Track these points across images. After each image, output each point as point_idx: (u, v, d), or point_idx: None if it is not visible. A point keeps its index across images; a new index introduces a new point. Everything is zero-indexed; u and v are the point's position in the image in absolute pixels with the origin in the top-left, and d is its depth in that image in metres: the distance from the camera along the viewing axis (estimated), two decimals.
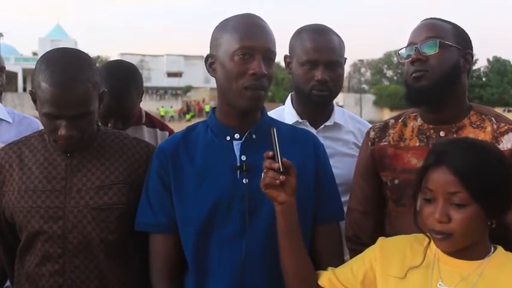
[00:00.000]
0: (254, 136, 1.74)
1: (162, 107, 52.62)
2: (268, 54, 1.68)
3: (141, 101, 2.45)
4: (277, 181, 1.52)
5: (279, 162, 1.53)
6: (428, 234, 1.51)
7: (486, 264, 1.46)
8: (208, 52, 1.76)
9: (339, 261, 1.74)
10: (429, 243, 1.53)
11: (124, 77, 2.34)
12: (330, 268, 1.65)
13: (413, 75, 1.86)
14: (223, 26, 1.73)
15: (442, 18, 1.93)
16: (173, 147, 1.77)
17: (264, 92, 1.69)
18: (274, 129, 1.56)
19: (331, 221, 1.82)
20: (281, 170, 1.53)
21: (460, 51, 1.86)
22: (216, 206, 1.68)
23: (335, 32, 2.30)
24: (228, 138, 1.74)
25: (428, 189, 1.46)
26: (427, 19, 1.95)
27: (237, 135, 1.73)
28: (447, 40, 1.84)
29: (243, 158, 1.71)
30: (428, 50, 1.84)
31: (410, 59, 1.86)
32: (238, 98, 1.67)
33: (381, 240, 1.63)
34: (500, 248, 1.50)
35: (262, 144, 1.60)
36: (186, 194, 1.72)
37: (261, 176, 1.56)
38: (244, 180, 1.69)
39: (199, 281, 1.71)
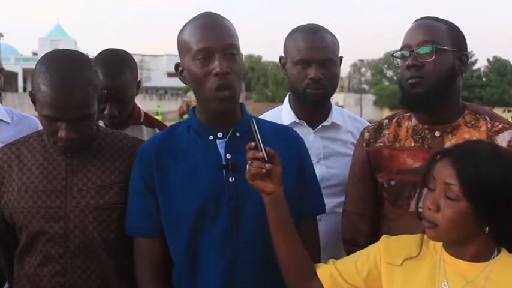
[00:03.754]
0: (238, 134, 1.73)
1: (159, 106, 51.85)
2: (229, 50, 1.65)
3: (137, 92, 2.40)
4: (263, 170, 1.52)
5: (262, 151, 1.53)
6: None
7: (492, 267, 1.45)
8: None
9: (316, 256, 1.76)
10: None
11: (116, 56, 2.33)
12: (331, 261, 1.64)
13: (409, 81, 1.83)
14: (181, 33, 1.72)
15: (437, 17, 1.89)
16: (156, 149, 1.75)
17: (234, 90, 1.66)
18: (254, 120, 1.57)
19: (313, 216, 1.84)
20: (265, 159, 1.53)
21: (455, 54, 1.84)
22: (204, 205, 1.67)
23: (328, 31, 2.29)
24: (211, 137, 1.73)
25: (433, 178, 1.48)
26: (422, 19, 1.90)
27: (219, 134, 1.72)
28: (443, 44, 1.81)
29: (228, 156, 1.70)
30: (424, 54, 1.81)
31: (406, 64, 1.83)
32: (210, 101, 1.66)
33: (385, 237, 1.62)
34: (504, 251, 1.48)
35: (246, 143, 1.57)
36: (173, 195, 1.70)
37: (246, 168, 1.54)
38: (230, 179, 1.68)
39: (190, 281, 1.70)
